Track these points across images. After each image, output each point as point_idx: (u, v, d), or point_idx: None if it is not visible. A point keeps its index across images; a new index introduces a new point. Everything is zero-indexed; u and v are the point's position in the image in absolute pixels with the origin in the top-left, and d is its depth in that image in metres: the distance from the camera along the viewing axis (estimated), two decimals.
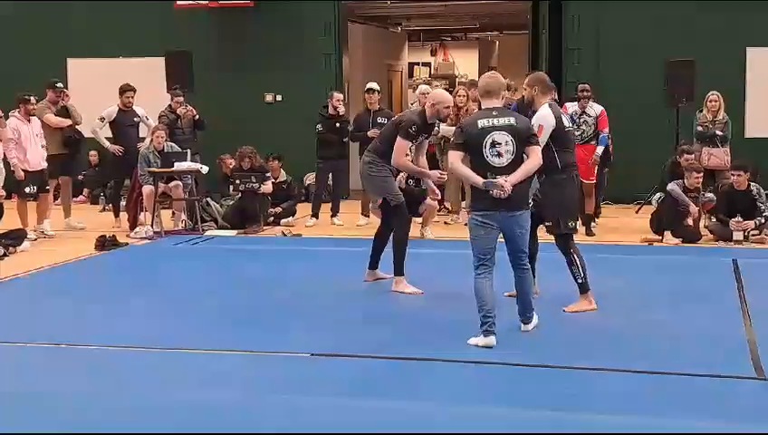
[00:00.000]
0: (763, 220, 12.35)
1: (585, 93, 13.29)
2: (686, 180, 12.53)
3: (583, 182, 12.84)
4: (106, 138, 14.46)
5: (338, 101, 14.68)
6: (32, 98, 13.25)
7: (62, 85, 14.60)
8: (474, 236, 7.37)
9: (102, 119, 14.27)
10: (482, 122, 7.35)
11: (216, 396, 6.12)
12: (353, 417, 5.70)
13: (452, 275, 9.58)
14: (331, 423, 5.58)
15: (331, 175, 15.07)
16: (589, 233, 13.00)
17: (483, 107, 7.60)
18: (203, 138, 15.20)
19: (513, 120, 7.37)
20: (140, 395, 6.17)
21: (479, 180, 7.26)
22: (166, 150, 13.68)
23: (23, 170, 12.97)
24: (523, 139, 7.36)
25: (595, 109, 13.25)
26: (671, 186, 12.54)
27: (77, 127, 14.36)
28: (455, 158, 7.43)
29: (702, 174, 12.59)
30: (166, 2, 17.67)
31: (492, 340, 7.15)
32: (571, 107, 13.13)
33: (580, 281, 8.31)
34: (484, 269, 7.31)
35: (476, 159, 7.35)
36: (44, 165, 13.40)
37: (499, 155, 7.28)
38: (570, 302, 8.42)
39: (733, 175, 12.53)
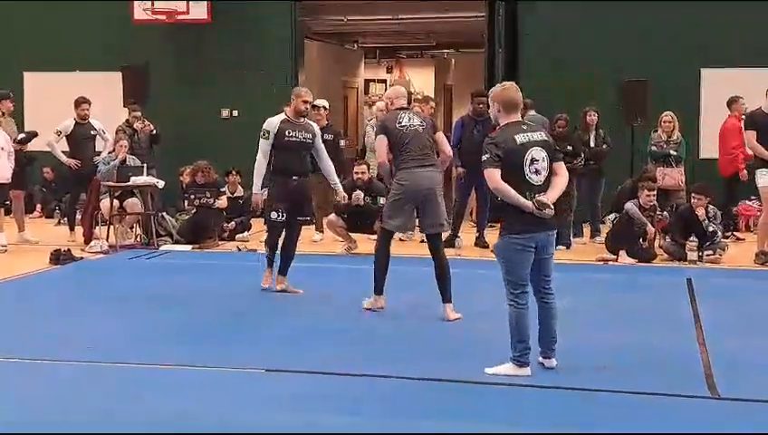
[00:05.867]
0: (714, 239, 12.46)
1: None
2: (639, 198, 12.62)
3: None
4: (62, 151, 14.36)
5: None
6: None
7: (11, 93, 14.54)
8: (514, 261, 6.86)
9: (59, 132, 14.19)
10: (519, 138, 6.86)
11: (170, 410, 6.10)
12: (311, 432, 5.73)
13: (406, 290, 9.62)
14: None
15: None
16: None
17: (507, 120, 7.00)
18: (159, 152, 15.14)
19: (544, 135, 7.02)
20: (94, 410, 6.13)
21: (528, 203, 6.75)
22: (128, 163, 13.71)
23: None
24: (552, 154, 7.00)
25: None
26: (629, 205, 12.61)
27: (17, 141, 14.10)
28: (496, 176, 6.80)
29: (654, 191, 12.66)
30: (123, 16, 17.55)
31: (528, 370, 6.89)
32: None
33: None
34: (526, 298, 6.90)
35: (515, 177, 6.80)
36: (8, 179, 13.25)
37: (537, 172, 6.85)
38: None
39: (694, 198, 12.59)
